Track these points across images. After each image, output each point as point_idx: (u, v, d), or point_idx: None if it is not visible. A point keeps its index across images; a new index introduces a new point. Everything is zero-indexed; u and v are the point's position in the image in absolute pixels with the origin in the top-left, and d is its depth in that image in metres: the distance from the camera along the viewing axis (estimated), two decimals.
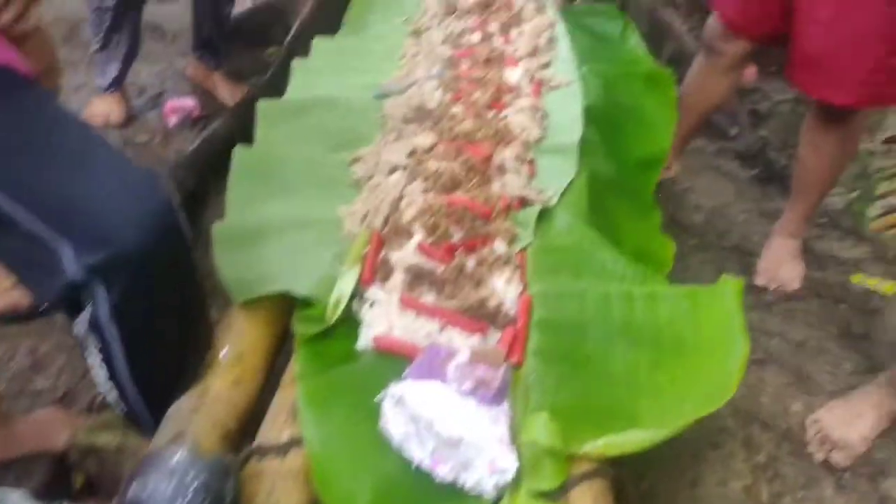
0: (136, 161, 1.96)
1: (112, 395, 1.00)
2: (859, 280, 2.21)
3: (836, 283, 2.16)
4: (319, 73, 1.71)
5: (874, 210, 3.55)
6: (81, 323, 0.91)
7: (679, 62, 2.43)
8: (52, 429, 1.28)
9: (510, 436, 0.93)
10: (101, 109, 2.14)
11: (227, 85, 2.34)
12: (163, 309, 0.95)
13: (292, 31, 2.37)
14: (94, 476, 1.25)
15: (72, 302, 0.90)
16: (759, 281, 2.12)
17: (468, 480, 0.91)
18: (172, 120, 2.17)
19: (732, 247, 2.26)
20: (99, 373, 0.96)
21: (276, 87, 2.04)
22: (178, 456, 0.83)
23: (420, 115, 1.46)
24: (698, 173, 2.50)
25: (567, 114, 1.53)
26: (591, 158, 1.49)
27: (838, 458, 1.54)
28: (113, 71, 2.15)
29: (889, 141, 4.21)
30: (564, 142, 1.46)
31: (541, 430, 0.94)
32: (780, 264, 2.11)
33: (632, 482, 1.35)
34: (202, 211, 2.02)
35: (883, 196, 3.71)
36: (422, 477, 0.93)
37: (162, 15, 2.60)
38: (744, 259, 2.20)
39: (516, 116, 1.50)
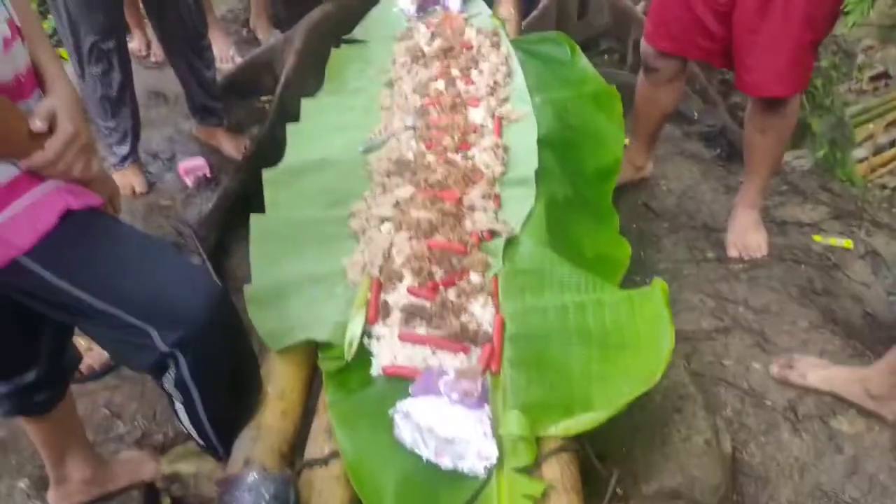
0: (164, 223, 2.35)
1: (193, 433, 1.38)
2: (820, 240, 2.50)
3: (797, 246, 2.45)
4: (310, 136, 2.05)
5: (859, 153, 3.78)
6: (168, 381, 1.27)
7: None
8: (140, 464, 1.66)
9: (492, 430, 1.30)
10: (123, 183, 2.36)
11: (231, 139, 2.66)
12: (227, 364, 1.32)
13: (281, 81, 2.69)
14: (179, 499, 1.64)
15: (158, 367, 1.26)
16: (731, 253, 2.42)
17: (464, 467, 1.27)
18: (189, 181, 2.51)
19: (701, 225, 2.56)
20: (183, 417, 1.34)
21: (274, 136, 2.38)
22: (252, 476, 1.21)
23: (400, 167, 1.81)
24: (667, 159, 2.80)
25: (524, 146, 1.87)
26: (549, 183, 1.84)
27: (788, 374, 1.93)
28: (124, 148, 2.40)
29: (876, 78, 4.44)
30: (523, 173, 1.80)
31: (513, 423, 1.30)
32: (746, 234, 2.41)
33: (615, 449, 1.70)
34: (226, 260, 2.39)
35: (869, 138, 3.94)
36: (431, 468, 1.29)
37: (161, 82, 2.93)
38: (712, 235, 2.51)
39: (481, 155, 1.85)
